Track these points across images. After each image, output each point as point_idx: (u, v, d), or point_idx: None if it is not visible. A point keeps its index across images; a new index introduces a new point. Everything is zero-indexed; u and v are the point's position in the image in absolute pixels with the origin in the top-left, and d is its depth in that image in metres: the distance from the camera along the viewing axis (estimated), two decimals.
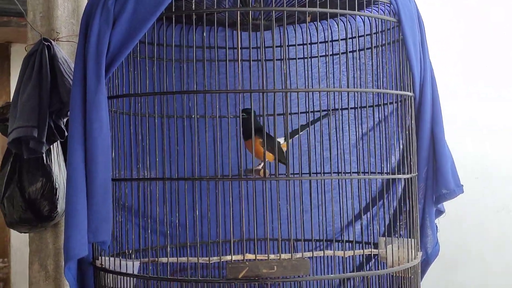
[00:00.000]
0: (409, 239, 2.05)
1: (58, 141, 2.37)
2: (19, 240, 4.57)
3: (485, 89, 3.28)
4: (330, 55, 2.34)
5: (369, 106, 2.05)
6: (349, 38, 2.27)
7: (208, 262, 2.01)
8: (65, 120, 2.34)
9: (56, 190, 2.35)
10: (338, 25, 2.05)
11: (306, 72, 2.37)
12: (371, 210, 2.23)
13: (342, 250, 2.20)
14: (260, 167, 2.09)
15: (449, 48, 3.29)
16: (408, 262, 2.02)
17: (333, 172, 2.28)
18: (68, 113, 2.28)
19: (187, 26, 2.26)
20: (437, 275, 3.17)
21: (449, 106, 3.16)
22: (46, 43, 2.30)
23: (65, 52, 2.45)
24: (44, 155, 2.31)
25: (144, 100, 1.97)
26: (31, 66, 2.29)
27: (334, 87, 2.33)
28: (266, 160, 2.03)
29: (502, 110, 3.26)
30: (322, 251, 2.14)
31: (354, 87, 2.14)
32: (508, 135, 3.25)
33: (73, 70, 2.25)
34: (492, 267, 3.26)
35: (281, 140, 2.17)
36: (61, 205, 2.38)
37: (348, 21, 2.24)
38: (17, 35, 4.13)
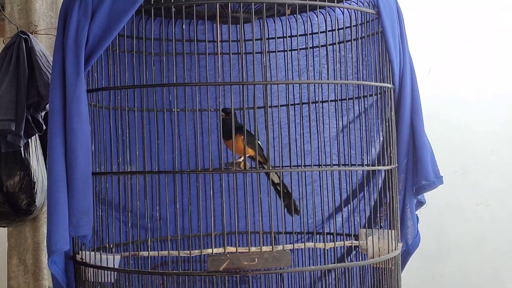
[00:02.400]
0: (390, 231, 2.06)
1: (36, 135, 2.35)
2: None
3: (468, 87, 3.33)
4: (310, 47, 2.34)
5: (349, 99, 2.06)
6: (329, 31, 2.27)
7: (189, 255, 2.00)
8: (43, 113, 2.32)
9: (34, 184, 2.33)
10: (318, 18, 2.05)
11: (286, 65, 2.37)
12: (351, 202, 2.24)
13: (323, 242, 2.21)
14: (240, 160, 2.09)
15: (434, 44, 3.32)
16: (388, 253, 2.03)
17: (314, 165, 2.28)
18: (46, 106, 2.27)
19: (166, 20, 2.25)
20: (418, 267, 3.20)
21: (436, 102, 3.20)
22: (24, 36, 2.28)
23: (44, 45, 2.43)
24: (22, 148, 2.29)
25: (124, 94, 1.95)
26: (8, 59, 2.27)
27: (314, 80, 2.33)
28: (248, 155, 2.03)
29: (483, 107, 3.31)
30: (303, 244, 2.15)
31: (334, 80, 2.14)
32: (488, 130, 3.29)
33: (51, 63, 2.24)
34: (471, 259, 3.30)
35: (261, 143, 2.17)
36: (39, 199, 2.36)
37: (327, 14, 2.24)
38: None
